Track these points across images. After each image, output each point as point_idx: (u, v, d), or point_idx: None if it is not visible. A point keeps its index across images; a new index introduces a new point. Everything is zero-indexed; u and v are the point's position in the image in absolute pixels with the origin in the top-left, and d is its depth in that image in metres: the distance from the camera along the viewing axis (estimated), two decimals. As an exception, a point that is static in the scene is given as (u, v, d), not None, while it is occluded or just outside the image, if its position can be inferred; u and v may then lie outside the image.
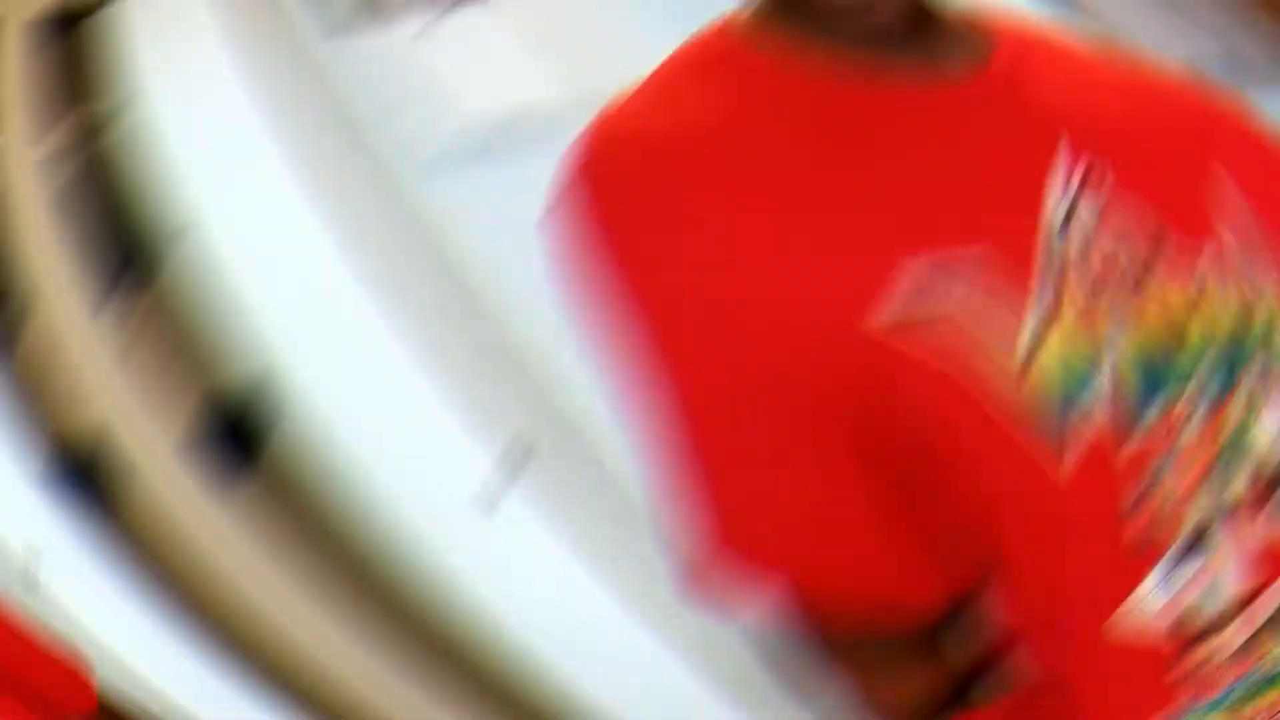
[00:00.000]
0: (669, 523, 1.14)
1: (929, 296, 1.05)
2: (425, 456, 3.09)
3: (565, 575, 3.08)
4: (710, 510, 1.12)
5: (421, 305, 3.18)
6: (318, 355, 3.16)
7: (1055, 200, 1.09)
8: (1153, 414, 1.07)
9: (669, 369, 1.10)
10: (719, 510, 1.12)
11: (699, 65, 1.17)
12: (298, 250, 3.16)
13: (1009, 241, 1.07)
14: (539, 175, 1.14)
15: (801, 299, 1.07)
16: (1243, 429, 1.11)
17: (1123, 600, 1.07)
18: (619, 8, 3.34)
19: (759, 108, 1.13)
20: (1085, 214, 1.10)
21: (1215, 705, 1.09)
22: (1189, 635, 1.08)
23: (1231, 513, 1.10)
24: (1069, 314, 1.07)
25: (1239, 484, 1.10)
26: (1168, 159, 1.16)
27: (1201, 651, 1.08)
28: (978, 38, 1.16)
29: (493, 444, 3.02)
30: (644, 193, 1.12)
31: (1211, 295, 1.11)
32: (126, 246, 3.20)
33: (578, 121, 1.15)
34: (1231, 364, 1.11)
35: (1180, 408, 1.08)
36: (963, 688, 1.14)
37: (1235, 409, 1.10)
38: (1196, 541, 1.09)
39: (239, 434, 3.11)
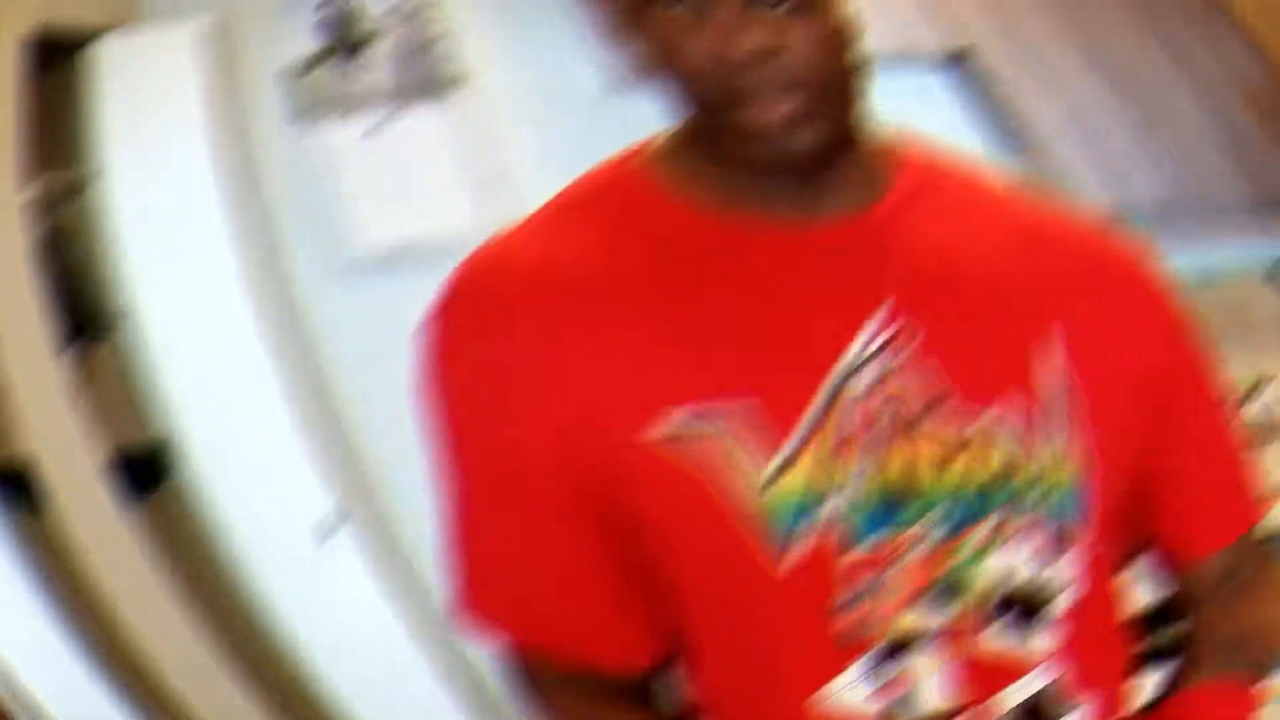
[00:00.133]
0: (444, 576, 1.20)
1: (694, 429, 1.08)
2: (281, 499, 3.31)
3: (369, 605, 3.37)
4: (462, 573, 1.18)
5: (296, 391, 3.36)
6: (213, 423, 3.32)
7: (849, 359, 1.10)
8: (872, 541, 1.10)
9: (455, 465, 1.16)
10: (468, 574, 1.18)
11: (592, 194, 1.16)
12: (217, 336, 3.31)
13: (782, 396, 1.08)
14: (422, 294, 1.18)
15: (577, 418, 1.09)
16: (963, 567, 1.12)
17: (826, 682, 1.12)
18: (559, 134, 3.49)
19: (623, 245, 1.12)
20: (869, 375, 1.10)
21: None
22: None
23: (942, 632, 1.12)
24: (809, 459, 1.09)
25: (953, 610, 1.12)
26: (1002, 319, 1.14)
27: None
28: (881, 174, 1.15)
29: (330, 495, 3.32)
30: (480, 323, 1.12)
31: (971, 455, 1.11)
32: (80, 311, 3.28)
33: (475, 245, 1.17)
34: (967, 514, 1.12)
35: (901, 540, 1.11)
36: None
37: (964, 549, 1.12)
38: (902, 648, 1.12)
39: (143, 472, 3.29)
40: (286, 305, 3.52)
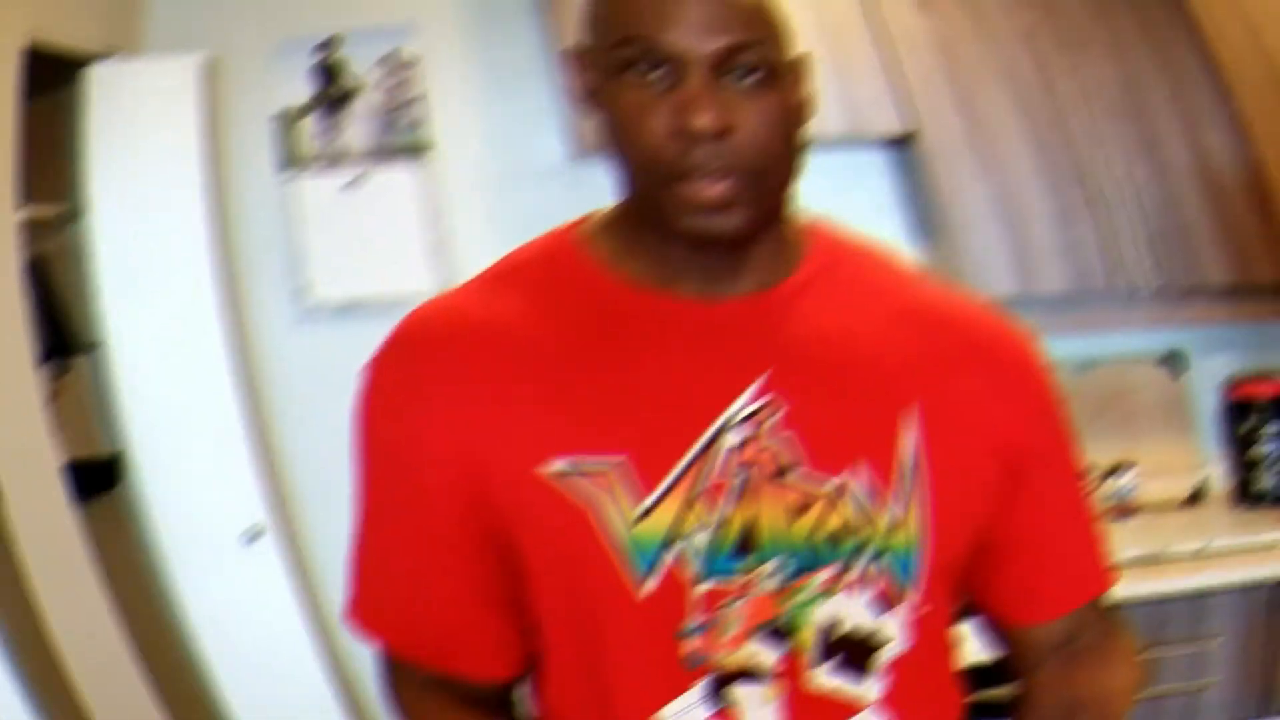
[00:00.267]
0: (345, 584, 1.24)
1: (577, 470, 1.14)
2: (213, 507, 3.37)
3: (277, 610, 3.39)
4: (354, 582, 1.24)
5: (241, 417, 3.41)
6: (162, 439, 3.38)
7: (723, 420, 1.15)
8: (721, 578, 1.15)
9: (364, 488, 1.22)
10: (358, 584, 1.24)
11: (529, 261, 1.20)
12: (179, 365, 3.36)
13: (649, 454, 1.14)
14: (367, 343, 1.23)
15: (472, 454, 1.15)
16: (798, 609, 1.17)
17: (668, 702, 1.16)
18: (514, 204, 3.56)
19: (544, 308, 1.16)
20: (737, 436, 1.15)
21: None
22: None
23: (777, 667, 1.17)
24: (675, 504, 1.15)
25: (786, 647, 1.17)
26: (865, 396, 1.18)
27: None
28: (793, 254, 1.20)
29: (257, 508, 3.36)
30: (402, 369, 1.16)
31: (813, 514, 1.16)
32: (58, 334, 3.34)
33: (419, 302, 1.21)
34: (805, 563, 1.17)
35: (747, 580, 1.16)
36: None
37: (800, 594, 1.17)
38: (740, 677, 1.16)
39: (95, 478, 3.37)
40: (246, 343, 3.54)
